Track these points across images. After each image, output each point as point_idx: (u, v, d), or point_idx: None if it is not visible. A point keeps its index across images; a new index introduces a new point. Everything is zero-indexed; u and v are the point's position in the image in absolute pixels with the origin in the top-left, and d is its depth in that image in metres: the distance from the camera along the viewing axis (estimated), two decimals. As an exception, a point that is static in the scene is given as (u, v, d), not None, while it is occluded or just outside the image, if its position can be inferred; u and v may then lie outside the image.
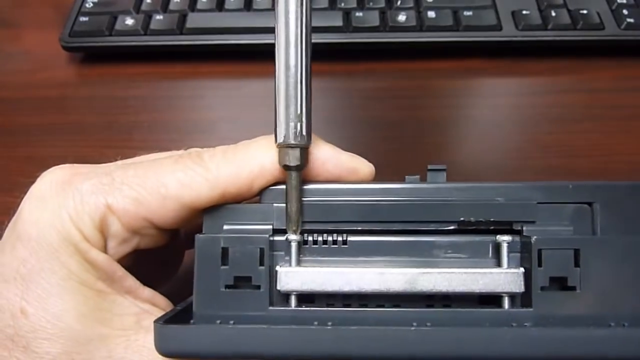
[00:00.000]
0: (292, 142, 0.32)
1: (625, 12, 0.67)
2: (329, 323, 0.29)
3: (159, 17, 0.69)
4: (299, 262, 0.31)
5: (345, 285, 0.31)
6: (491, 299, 0.31)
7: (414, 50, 0.68)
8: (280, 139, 0.32)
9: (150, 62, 0.69)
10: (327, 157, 0.34)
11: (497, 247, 0.31)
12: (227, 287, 0.31)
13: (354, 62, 0.68)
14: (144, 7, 0.70)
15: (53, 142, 0.61)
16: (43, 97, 0.66)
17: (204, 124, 0.63)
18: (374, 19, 0.68)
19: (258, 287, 0.31)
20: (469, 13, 0.68)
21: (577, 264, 0.30)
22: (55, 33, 0.70)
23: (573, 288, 0.30)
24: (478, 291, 0.30)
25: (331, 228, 0.32)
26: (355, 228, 0.32)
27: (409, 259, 0.32)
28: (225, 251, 0.31)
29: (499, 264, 0.31)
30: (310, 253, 0.32)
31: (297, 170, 0.32)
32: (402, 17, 0.67)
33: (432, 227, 0.32)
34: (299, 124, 0.32)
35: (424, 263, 0.31)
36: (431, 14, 0.68)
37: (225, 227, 0.32)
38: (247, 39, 0.68)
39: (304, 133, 0.32)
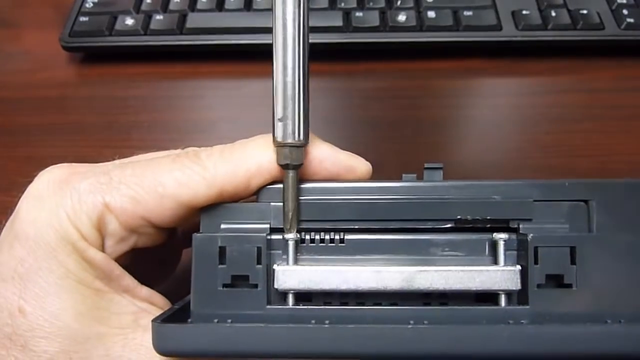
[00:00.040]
0: (290, 141, 0.32)
1: (625, 12, 0.67)
2: (326, 321, 0.29)
3: (159, 17, 0.69)
4: (296, 261, 0.32)
5: (342, 283, 0.31)
6: (488, 297, 0.31)
7: (414, 50, 0.68)
8: (278, 138, 0.32)
9: (150, 62, 0.69)
10: (325, 155, 0.34)
11: (494, 245, 0.31)
12: (224, 286, 0.31)
13: (354, 62, 0.68)
14: (144, 7, 0.70)
15: (53, 142, 0.61)
16: (43, 97, 0.66)
17: (203, 124, 0.63)
18: (374, 19, 0.68)
19: (255, 285, 0.31)
20: (469, 13, 0.68)
21: (573, 262, 0.30)
22: (55, 33, 0.70)
23: (569, 285, 0.30)
24: (475, 289, 0.30)
25: (328, 227, 0.32)
26: (352, 226, 0.32)
27: (406, 257, 0.32)
28: (222, 250, 0.31)
29: (495, 262, 0.31)
30: (307, 252, 0.32)
31: (295, 169, 0.32)
32: (402, 17, 0.67)
33: (429, 225, 0.32)
34: (296, 123, 0.32)
35: (421, 261, 0.32)
36: (431, 14, 0.68)
37: (223, 226, 0.32)
38: (247, 39, 0.68)
39: (302, 132, 0.32)
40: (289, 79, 0.32)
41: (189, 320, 0.31)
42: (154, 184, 0.32)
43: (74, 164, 0.35)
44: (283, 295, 0.31)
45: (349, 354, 0.28)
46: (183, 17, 0.69)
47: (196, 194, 0.32)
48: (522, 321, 0.29)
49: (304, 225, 0.32)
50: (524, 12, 0.68)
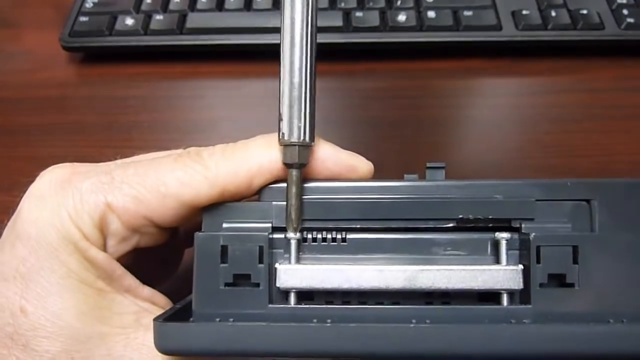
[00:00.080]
0: (296, 140, 0.32)
1: (625, 12, 0.67)
2: (328, 320, 0.29)
3: (159, 17, 0.69)
4: (298, 260, 0.32)
5: (344, 282, 0.31)
6: (490, 296, 0.31)
7: (414, 50, 0.68)
8: (284, 137, 0.32)
9: (150, 62, 0.69)
10: (327, 155, 0.34)
11: (496, 244, 0.31)
12: (226, 285, 0.31)
13: (354, 62, 0.68)
14: (144, 7, 0.70)
15: (53, 142, 0.61)
16: (43, 97, 0.66)
17: (204, 124, 0.63)
18: (374, 19, 0.68)
19: (257, 284, 0.31)
20: (469, 13, 0.68)
21: (575, 261, 0.30)
22: (55, 33, 0.70)
23: (571, 285, 0.30)
24: (477, 288, 0.30)
25: (330, 226, 0.32)
26: (354, 226, 0.32)
27: (408, 256, 0.32)
28: (224, 249, 0.31)
29: (497, 261, 0.31)
30: (309, 251, 0.32)
31: (299, 168, 0.32)
32: (402, 17, 0.67)
33: (431, 224, 0.32)
34: (302, 123, 0.32)
35: (423, 260, 0.32)
36: (431, 14, 0.68)
37: (225, 225, 0.32)
38: (247, 39, 0.68)
39: (307, 132, 0.32)
40: (296, 79, 0.32)
41: (191, 319, 0.31)
42: (157, 184, 0.32)
43: (75, 164, 0.35)
44: (285, 294, 0.31)
45: (351, 353, 0.28)
46: (183, 17, 0.69)
47: (198, 194, 0.32)
48: (525, 320, 0.29)
49: (306, 225, 0.32)
50: (524, 12, 0.68)
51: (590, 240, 0.30)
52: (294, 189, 0.32)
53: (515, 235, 0.31)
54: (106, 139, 0.61)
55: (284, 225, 0.32)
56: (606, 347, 0.28)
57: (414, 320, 0.29)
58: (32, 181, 0.34)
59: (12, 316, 0.31)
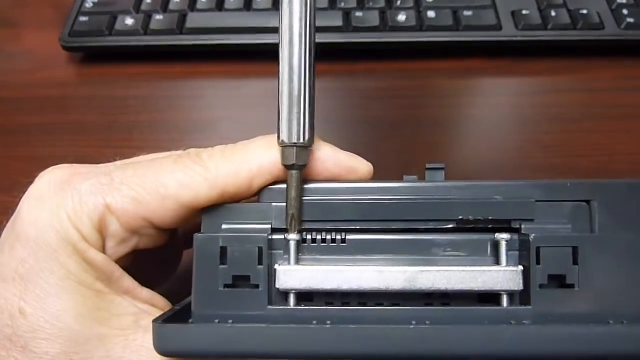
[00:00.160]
0: (296, 141, 0.32)
1: (625, 12, 0.67)
2: (328, 322, 0.29)
3: (159, 17, 0.69)
4: (298, 261, 0.31)
5: (344, 283, 0.31)
6: (490, 297, 0.31)
7: (414, 50, 0.68)
8: (284, 139, 0.32)
9: (150, 62, 0.69)
10: (327, 156, 0.34)
11: (496, 245, 0.31)
12: (226, 286, 0.31)
13: (354, 62, 0.68)
14: (144, 7, 0.70)
15: (53, 142, 0.61)
16: (43, 97, 0.66)
17: (204, 124, 0.63)
18: (374, 19, 0.68)
19: (257, 286, 0.31)
20: (469, 13, 0.68)
21: (575, 262, 0.30)
22: (55, 33, 0.70)
23: (572, 286, 0.30)
24: (477, 289, 0.30)
25: (330, 227, 0.32)
26: (354, 227, 0.32)
27: (408, 257, 0.32)
28: (224, 250, 0.31)
29: (497, 262, 0.31)
30: (309, 252, 0.32)
31: (299, 170, 0.32)
32: (402, 17, 0.67)
33: (431, 225, 0.32)
34: (302, 124, 0.32)
35: (423, 261, 0.31)
36: (431, 14, 0.68)
37: (224, 226, 0.32)
38: (247, 39, 0.68)
39: (307, 133, 0.32)
40: (295, 79, 0.32)
41: (190, 320, 0.31)
42: (156, 185, 0.32)
43: (75, 165, 0.35)
44: (284, 295, 0.31)
45: (350, 354, 0.28)
46: (183, 17, 0.69)
47: (198, 195, 0.32)
48: (525, 322, 0.29)
49: (305, 226, 0.32)
50: (524, 12, 0.68)
51: (591, 241, 0.30)
52: (293, 191, 0.32)
53: (515, 236, 0.31)
54: (106, 139, 0.61)
55: (284, 227, 0.32)
56: (606, 348, 0.28)
57: (413, 322, 0.29)
58: (32, 182, 0.34)
59: (11, 318, 0.31)
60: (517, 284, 0.30)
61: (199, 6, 0.70)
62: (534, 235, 0.30)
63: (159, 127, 0.62)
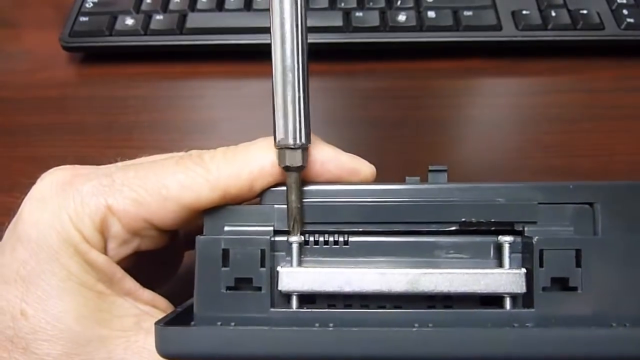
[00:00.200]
0: (291, 143, 0.31)
1: (625, 12, 0.67)
2: (331, 324, 0.29)
3: (159, 17, 0.69)
4: (300, 263, 0.31)
5: (346, 285, 0.30)
6: (493, 300, 0.31)
7: (414, 50, 0.68)
8: (279, 140, 0.32)
9: (150, 62, 0.69)
10: (328, 158, 0.33)
11: (499, 247, 0.31)
12: (228, 288, 0.31)
13: (354, 62, 0.68)
14: (144, 7, 0.70)
15: (53, 142, 0.61)
16: (43, 97, 0.66)
17: (204, 124, 0.63)
18: (374, 19, 0.68)
19: (259, 288, 0.31)
20: (469, 13, 0.68)
21: (578, 265, 0.30)
22: (55, 33, 0.70)
23: (574, 288, 0.30)
24: (480, 292, 0.30)
25: (332, 229, 0.32)
26: (356, 229, 0.32)
27: (410, 259, 0.32)
28: (226, 252, 0.31)
29: (500, 265, 0.31)
30: (311, 254, 0.32)
31: (297, 171, 0.32)
32: (402, 17, 0.67)
33: (433, 227, 0.32)
34: (297, 125, 0.32)
35: (426, 263, 0.31)
36: (431, 14, 0.68)
37: (226, 228, 0.32)
38: (247, 39, 0.68)
39: (303, 134, 0.32)
40: (288, 79, 0.31)
41: (192, 323, 0.31)
42: (157, 187, 0.32)
43: (76, 166, 0.35)
44: (287, 297, 0.31)
45: (353, 357, 0.28)
46: (183, 17, 0.69)
47: (199, 197, 0.32)
48: (527, 324, 0.29)
49: (307, 228, 0.32)
50: (524, 12, 0.68)
51: (594, 243, 0.30)
52: (293, 192, 0.31)
53: (518, 239, 0.31)
54: (106, 139, 0.61)
55: (286, 229, 0.32)
56: (609, 350, 0.27)
57: (416, 324, 0.29)
58: (33, 182, 0.34)
59: (12, 319, 0.31)
60: (519, 287, 0.30)
61: (199, 6, 0.70)
62: (536, 237, 0.30)
63: (159, 127, 0.62)
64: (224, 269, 0.31)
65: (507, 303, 0.30)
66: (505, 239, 0.31)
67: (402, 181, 0.33)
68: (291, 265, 0.31)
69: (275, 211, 0.32)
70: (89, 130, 0.62)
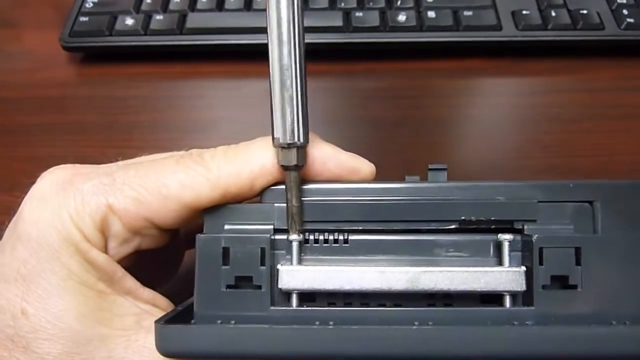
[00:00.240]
0: (289, 142, 0.31)
1: (625, 12, 0.67)
2: (331, 323, 0.29)
3: (159, 17, 0.69)
4: (300, 261, 0.31)
5: (346, 284, 0.31)
6: (493, 298, 0.31)
7: (414, 50, 0.68)
8: (277, 140, 0.32)
9: (150, 62, 0.69)
10: (328, 156, 0.33)
11: (499, 245, 0.31)
12: (228, 287, 0.31)
13: (354, 62, 0.68)
14: (144, 7, 0.70)
15: (53, 142, 0.61)
16: (43, 97, 0.66)
17: (204, 124, 0.63)
18: (374, 19, 0.68)
19: (259, 287, 0.31)
20: (469, 13, 0.68)
21: (578, 263, 0.30)
22: (55, 33, 0.70)
23: (574, 286, 0.30)
24: (479, 290, 0.30)
25: (332, 227, 0.32)
26: (356, 227, 0.32)
27: (410, 257, 0.32)
28: (226, 251, 0.31)
29: (500, 263, 0.31)
30: (311, 252, 0.32)
31: (296, 170, 0.32)
32: (402, 17, 0.67)
33: (433, 226, 0.32)
34: (294, 124, 0.31)
35: (426, 262, 0.31)
36: (431, 14, 0.68)
37: (226, 227, 0.32)
38: (247, 39, 0.68)
39: (301, 132, 0.32)
40: (286, 78, 0.31)
41: (193, 321, 0.31)
42: (158, 185, 0.32)
43: (77, 165, 0.35)
44: (287, 296, 0.31)
45: (353, 355, 0.28)
46: (183, 17, 0.69)
47: (199, 195, 0.32)
48: (527, 322, 0.29)
49: (308, 226, 0.32)
50: (524, 12, 0.68)
51: (593, 242, 0.30)
52: (293, 191, 0.32)
53: (518, 237, 0.31)
54: (106, 139, 0.61)
55: (286, 227, 0.32)
56: (609, 349, 0.28)
57: (416, 322, 0.29)
58: (33, 182, 0.34)
59: (13, 318, 0.31)
60: (519, 285, 0.30)
61: (199, 6, 0.70)
62: (536, 235, 0.30)
63: (159, 127, 0.62)
64: (224, 267, 0.31)
65: (507, 301, 0.30)
66: (505, 237, 0.31)
67: (401, 180, 0.33)
68: (291, 264, 0.31)
69: (276, 210, 0.32)
70: (89, 130, 0.62)
